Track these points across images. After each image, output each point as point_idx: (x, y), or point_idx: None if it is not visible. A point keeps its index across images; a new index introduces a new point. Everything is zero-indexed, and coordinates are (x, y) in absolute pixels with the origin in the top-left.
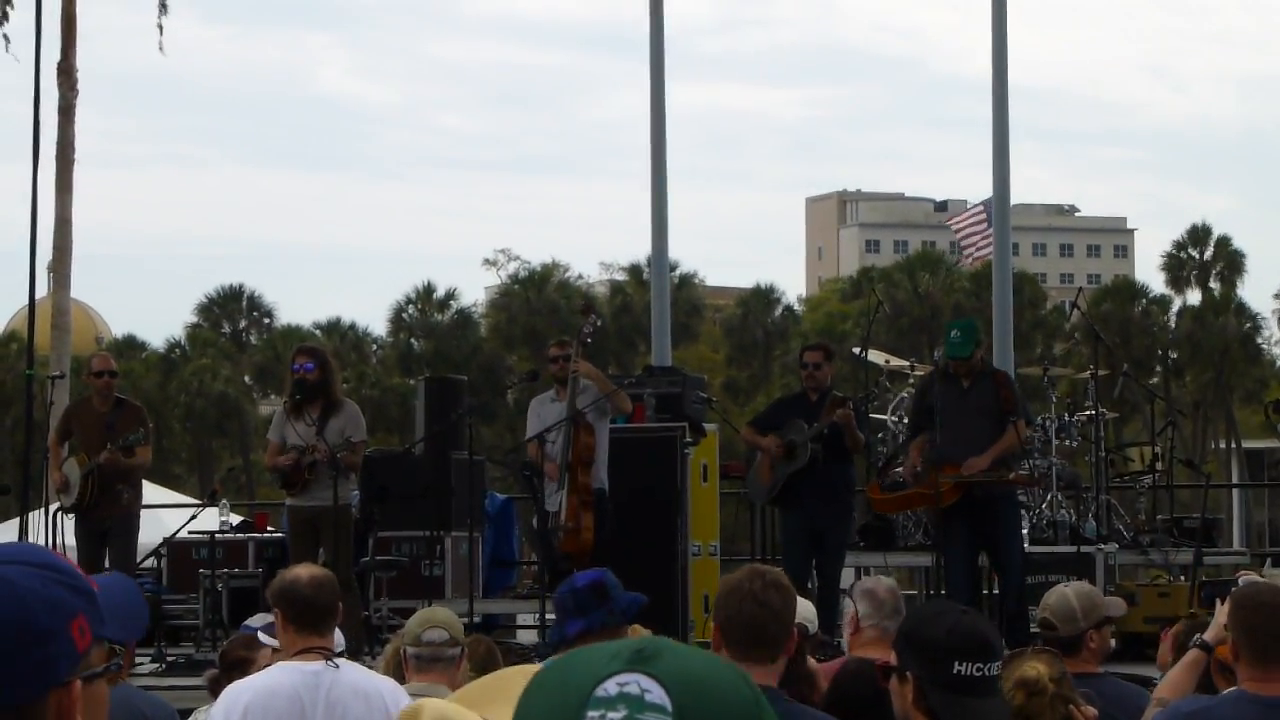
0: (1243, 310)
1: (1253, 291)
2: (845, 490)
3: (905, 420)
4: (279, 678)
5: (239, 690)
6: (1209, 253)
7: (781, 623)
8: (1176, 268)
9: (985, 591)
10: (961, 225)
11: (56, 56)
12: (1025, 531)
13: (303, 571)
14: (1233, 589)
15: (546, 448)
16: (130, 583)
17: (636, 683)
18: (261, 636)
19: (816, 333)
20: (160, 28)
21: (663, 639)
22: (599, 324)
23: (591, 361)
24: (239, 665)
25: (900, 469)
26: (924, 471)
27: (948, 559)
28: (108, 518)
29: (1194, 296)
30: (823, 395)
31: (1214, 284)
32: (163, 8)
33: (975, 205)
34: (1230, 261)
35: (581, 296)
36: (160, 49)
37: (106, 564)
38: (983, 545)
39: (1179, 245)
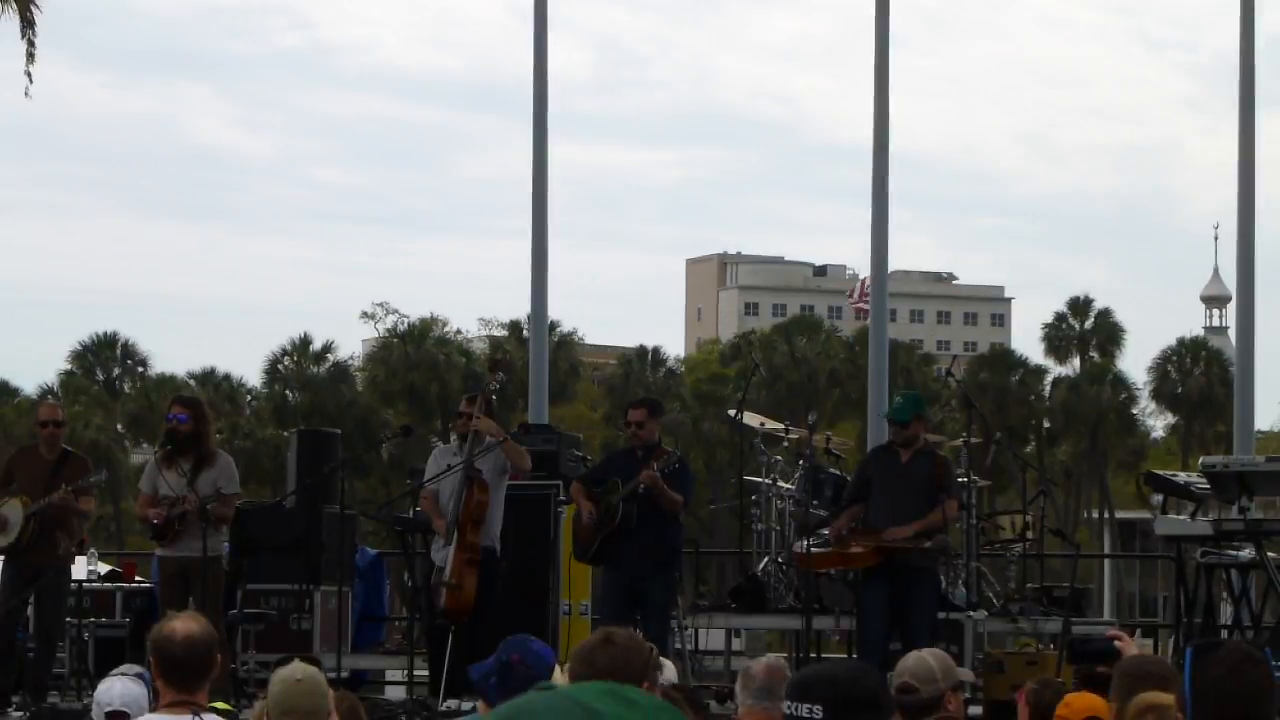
0: (1119, 381)
1: (1125, 362)
2: (667, 550)
3: (778, 482)
4: None
5: None
6: (1089, 323)
7: (609, 679)
8: (1056, 338)
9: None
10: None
11: None
12: None
13: (180, 626)
14: (1118, 662)
15: (441, 502)
16: None
17: None
18: None
19: (695, 395)
20: (29, 75)
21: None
22: (505, 381)
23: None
24: None
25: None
26: (848, 535)
27: (864, 625)
28: (41, 564)
29: (1073, 366)
30: (647, 452)
31: (1093, 354)
32: (30, 57)
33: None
34: (1110, 333)
35: (461, 353)
36: (27, 94)
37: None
38: (895, 616)
39: (1060, 316)
